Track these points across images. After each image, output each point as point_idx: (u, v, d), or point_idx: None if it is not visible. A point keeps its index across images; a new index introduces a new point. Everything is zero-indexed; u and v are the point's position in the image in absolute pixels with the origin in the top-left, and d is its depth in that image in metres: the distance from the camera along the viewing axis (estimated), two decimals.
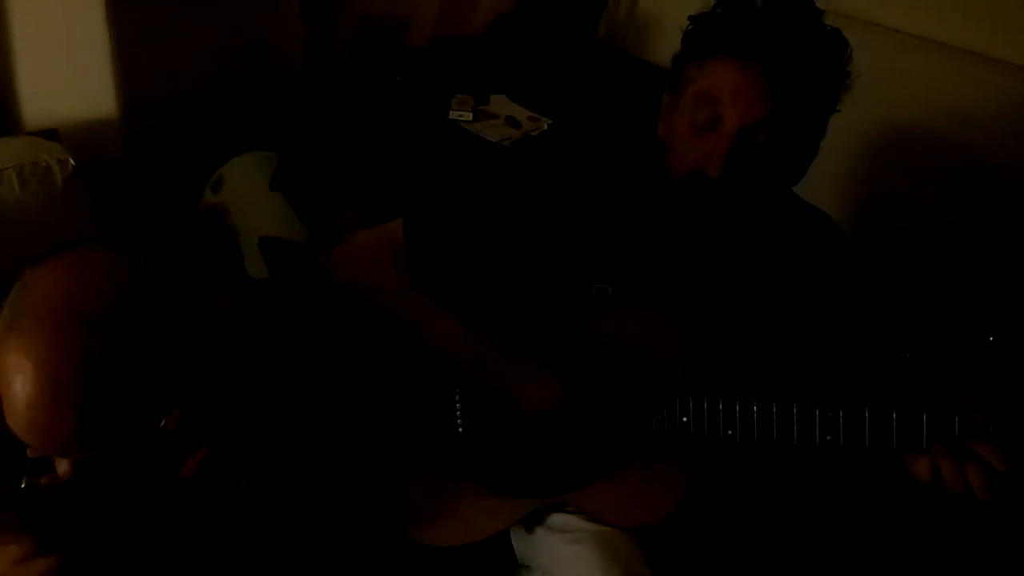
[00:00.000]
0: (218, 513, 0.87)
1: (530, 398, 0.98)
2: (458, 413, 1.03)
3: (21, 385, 0.70)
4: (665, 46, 1.02)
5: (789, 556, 1.12)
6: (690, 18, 1.00)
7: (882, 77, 1.53)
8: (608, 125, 1.88)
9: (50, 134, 1.44)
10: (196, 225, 1.61)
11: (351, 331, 1.07)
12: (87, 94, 1.51)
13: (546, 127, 1.93)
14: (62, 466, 0.76)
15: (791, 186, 1.04)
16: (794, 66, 0.93)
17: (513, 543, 1.09)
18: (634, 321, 1.01)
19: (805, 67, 0.93)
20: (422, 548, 1.04)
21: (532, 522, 1.07)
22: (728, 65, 0.93)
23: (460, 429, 1.03)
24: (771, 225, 1.08)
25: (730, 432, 0.96)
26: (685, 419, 0.98)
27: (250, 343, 0.97)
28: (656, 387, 0.99)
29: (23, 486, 0.75)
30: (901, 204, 1.61)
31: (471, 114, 1.93)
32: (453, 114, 1.93)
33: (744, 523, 1.13)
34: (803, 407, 0.95)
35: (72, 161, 1.34)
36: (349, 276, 1.07)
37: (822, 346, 1.08)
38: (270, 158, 1.59)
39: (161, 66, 1.57)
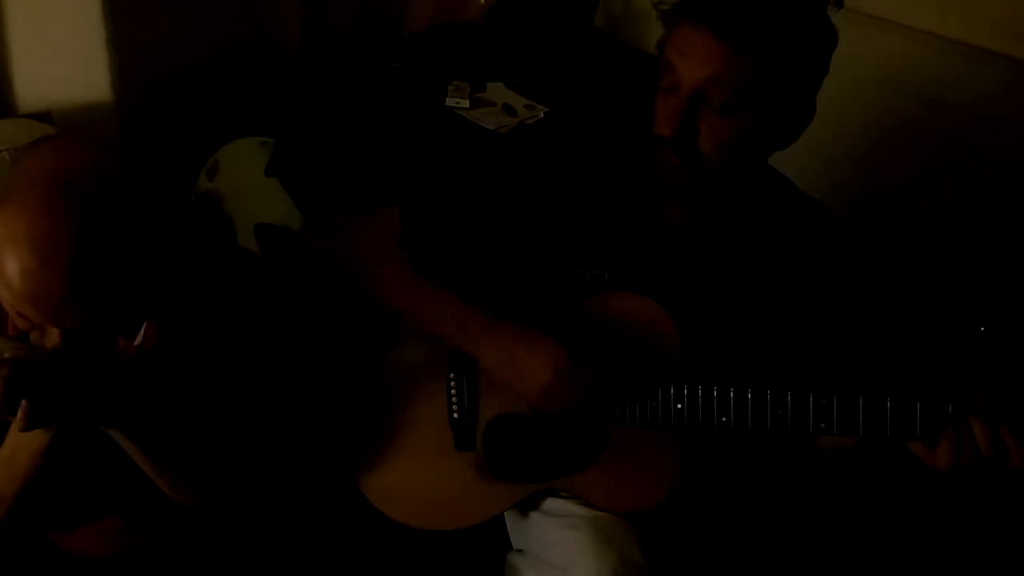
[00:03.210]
0: (190, 428, 0.92)
1: (529, 371, 0.96)
2: (453, 397, 1.03)
3: (15, 250, 0.76)
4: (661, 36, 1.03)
5: (783, 544, 1.12)
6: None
7: (881, 69, 1.54)
8: (604, 114, 1.88)
9: (44, 117, 1.44)
10: (191, 211, 1.60)
11: (343, 316, 1.07)
12: (81, 77, 1.50)
13: (542, 115, 1.92)
14: (52, 338, 0.80)
15: (777, 148, 1.04)
16: (749, 29, 0.94)
17: (508, 528, 1.10)
18: (629, 308, 1.01)
19: (763, 32, 0.94)
20: (416, 533, 1.04)
21: (527, 507, 1.07)
22: (683, 29, 0.96)
23: (455, 414, 1.03)
24: (764, 211, 1.08)
25: (724, 419, 0.97)
26: (680, 405, 0.98)
27: (236, 286, 1.01)
28: (651, 373, 0.99)
29: (7, 356, 0.78)
30: (896, 196, 1.61)
31: (468, 101, 1.93)
32: (449, 101, 1.92)
33: (739, 511, 1.13)
34: (797, 394, 0.95)
35: None
36: (345, 261, 1.07)
37: (817, 333, 1.08)
38: (265, 144, 1.58)
39: (156, 50, 1.56)
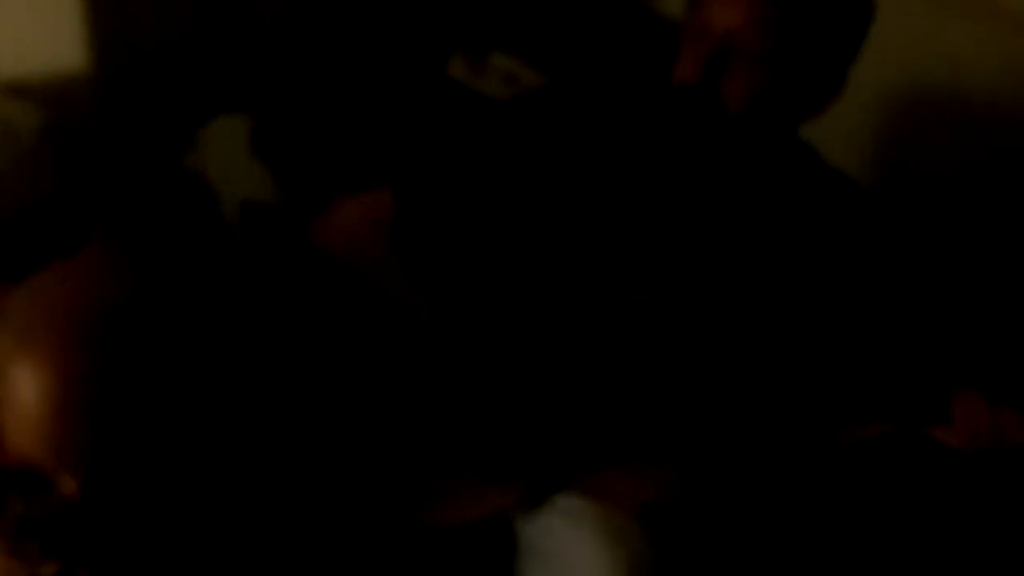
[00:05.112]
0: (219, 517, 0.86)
1: (522, 382, 0.96)
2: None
3: (35, 398, 0.69)
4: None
5: (792, 544, 1.10)
6: None
7: (913, 36, 1.47)
8: (613, 79, 1.84)
9: (16, 89, 1.38)
10: (174, 188, 1.56)
11: (339, 306, 1.03)
12: (55, 45, 1.43)
13: (546, 83, 1.87)
14: (68, 484, 0.74)
15: (802, 119, 1.01)
16: None
17: (515, 525, 1.05)
18: (632, 301, 1.00)
19: None
20: (420, 529, 1.01)
21: None
22: None
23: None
24: (786, 182, 1.05)
25: (734, 411, 0.96)
26: (685, 399, 0.96)
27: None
28: (656, 368, 0.97)
29: (22, 514, 0.73)
30: (925, 171, 1.55)
31: (469, 70, 1.87)
32: (449, 70, 1.87)
33: (749, 508, 1.10)
34: (812, 383, 0.95)
35: (41, 118, 1.29)
36: (330, 246, 1.04)
37: (835, 321, 1.06)
38: (251, 118, 1.55)
39: (137, 14, 1.51)
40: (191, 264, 0.77)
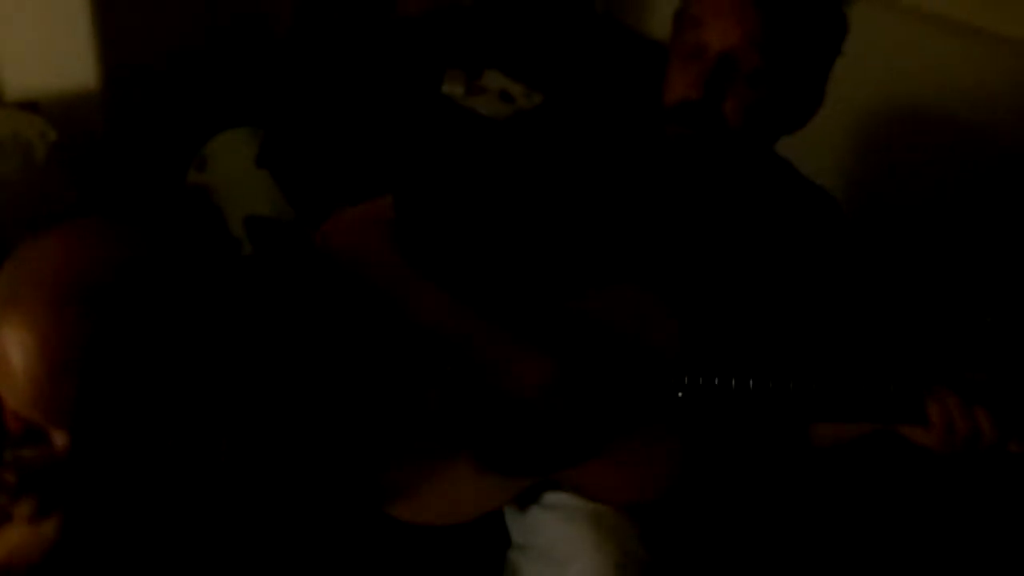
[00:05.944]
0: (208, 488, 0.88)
1: (519, 377, 0.96)
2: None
3: (22, 360, 0.72)
4: (665, 20, 1.02)
5: (783, 538, 1.12)
6: None
7: (887, 52, 1.51)
8: (604, 99, 1.86)
9: (30, 106, 1.41)
10: (181, 203, 1.57)
11: (340, 308, 1.05)
12: (67, 64, 1.47)
13: (540, 102, 1.89)
14: (60, 438, 0.77)
15: (786, 132, 1.04)
16: None
17: (507, 522, 1.08)
18: (625, 299, 1.00)
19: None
20: (414, 528, 1.02)
21: (525, 501, 1.05)
22: None
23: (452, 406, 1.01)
24: (765, 192, 1.07)
25: (726, 409, 0.95)
26: (680, 395, 0.96)
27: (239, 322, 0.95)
28: (651, 364, 0.97)
29: (9, 460, 0.76)
30: (902, 183, 1.59)
31: (464, 88, 1.90)
32: (445, 88, 1.89)
33: (739, 504, 1.12)
34: (801, 383, 0.94)
35: (52, 133, 1.31)
36: (337, 252, 1.05)
37: (820, 322, 1.07)
38: (257, 133, 1.56)
39: (144, 34, 1.53)
40: (169, 236, 0.79)
